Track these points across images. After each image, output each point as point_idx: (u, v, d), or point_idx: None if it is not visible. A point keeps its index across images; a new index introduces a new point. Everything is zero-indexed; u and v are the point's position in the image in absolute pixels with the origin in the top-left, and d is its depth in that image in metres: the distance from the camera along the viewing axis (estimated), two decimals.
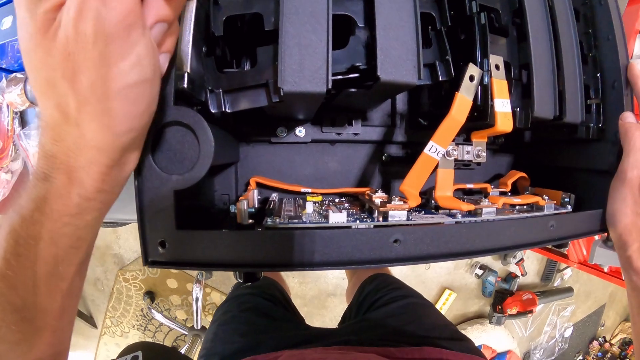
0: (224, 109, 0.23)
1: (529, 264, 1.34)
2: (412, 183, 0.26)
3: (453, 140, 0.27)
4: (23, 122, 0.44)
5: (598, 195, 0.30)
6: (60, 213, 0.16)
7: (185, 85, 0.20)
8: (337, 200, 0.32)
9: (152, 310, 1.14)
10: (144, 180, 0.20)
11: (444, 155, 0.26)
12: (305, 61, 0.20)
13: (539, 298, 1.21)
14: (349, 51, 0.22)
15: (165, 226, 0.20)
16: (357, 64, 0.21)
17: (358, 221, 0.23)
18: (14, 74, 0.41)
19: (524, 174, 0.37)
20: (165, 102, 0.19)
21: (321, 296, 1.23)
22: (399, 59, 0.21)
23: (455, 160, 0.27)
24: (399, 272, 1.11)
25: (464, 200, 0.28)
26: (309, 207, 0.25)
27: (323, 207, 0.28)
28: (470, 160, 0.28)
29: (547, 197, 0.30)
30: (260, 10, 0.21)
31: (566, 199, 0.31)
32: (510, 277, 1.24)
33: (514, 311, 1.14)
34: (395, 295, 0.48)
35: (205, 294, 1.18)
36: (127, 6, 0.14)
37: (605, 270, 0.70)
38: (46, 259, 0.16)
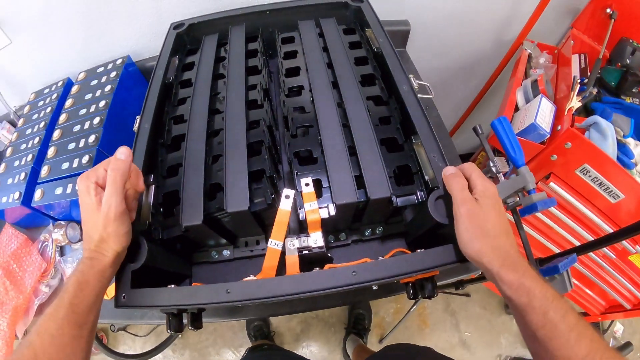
0: (161, 237, 0.45)
1: None
2: (267, 267, 0.43)
3: (297, 237, 0.45)
4: (62, 253, 0.69)
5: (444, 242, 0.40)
6: (99, 269, 0.36)
7: (146, 227, 0.42)
8: None
9: None
10: (122, 266, 0.40)
11: (284, 246, 0.44)
12: (192, 207, 0.42)
13: None
14: (219, 199, 0.44)
15: (126, 286, 0.39)
16: (219, 206, 0.43)
17: None
18: (59, 221, 0.69)
19: (401, 249, 0.50)
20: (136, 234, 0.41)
21: None
22: (241, 196, 0.42)
23: (298, 248, 0.45)
24: None
25: None
26: None
27: None
28: (310, 246, 0.45)
29: None
30: (176, 187, 0.45)
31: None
32: None
33: None
34: None
35: None
36: (121, 204, 0.37)
37: None
38: (94, 291, 0.35)
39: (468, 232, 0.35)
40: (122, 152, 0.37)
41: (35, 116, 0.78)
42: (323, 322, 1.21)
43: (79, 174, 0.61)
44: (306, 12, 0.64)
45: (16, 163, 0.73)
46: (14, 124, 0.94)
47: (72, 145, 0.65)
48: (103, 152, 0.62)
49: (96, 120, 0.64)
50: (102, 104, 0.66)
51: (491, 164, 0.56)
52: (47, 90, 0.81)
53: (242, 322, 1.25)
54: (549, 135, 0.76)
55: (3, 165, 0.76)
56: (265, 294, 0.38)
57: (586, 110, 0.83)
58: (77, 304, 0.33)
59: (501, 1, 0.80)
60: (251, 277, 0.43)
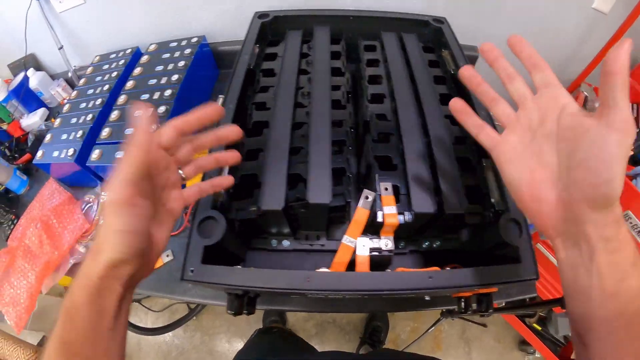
0: (234, 217, 0.46)
1: None
2: (338, 263, 0.45)
3: (369, 237, 0.46)
4: None
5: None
6: (88, 288, 0.24)
7: (217, 206, 0.43)
8: None
9: None
10: (192, 240, 0.42)
11: (359, 244, 0.45)
12: (273, 193, 0.43)
13: None
14: (298, 189, 0.45)
15: (196, 261, 0.40)
16: (298, 195, 0.44)
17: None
18: None
19: (456, 265, 0.51)
20: (207, 207, 0.42)
21: None
22: (324, 189, 0.43)
23: (370, 248, 0.46)
24: None
25: None
26: None
27: None
28: (380, 248, 0.46)
29: None
30: (255, 171, 0.46)
31: None
32: None
33: None
34: None
35: None
36: (127, 189, 0.25)
37: None
38: (88, 322, 0.24)
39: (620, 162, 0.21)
40: (142, 114, 0.27)
41: (99, 78, 0.80)
42: (339, 328, 1.21)
43: None
44: (388, 24, 0.67)
45: (73, 120, 0.75)
46: (70, 83, 0.96)
47: (138, 113, 0.66)
48: None
49: (168, 92, 0.66)
50: (174, 77, 0.68)
51: None
52: (113, 55, 0.83)
53: (258, 315, 1.25)
54: None
55: (59, 120, 0.77)
56: (345, 287, 0.39)
57: (634, 159, 0.86)
58: (70, 342, 0.24)
59: (565, 42, 0.83)
60: (324, 269, 0.44)
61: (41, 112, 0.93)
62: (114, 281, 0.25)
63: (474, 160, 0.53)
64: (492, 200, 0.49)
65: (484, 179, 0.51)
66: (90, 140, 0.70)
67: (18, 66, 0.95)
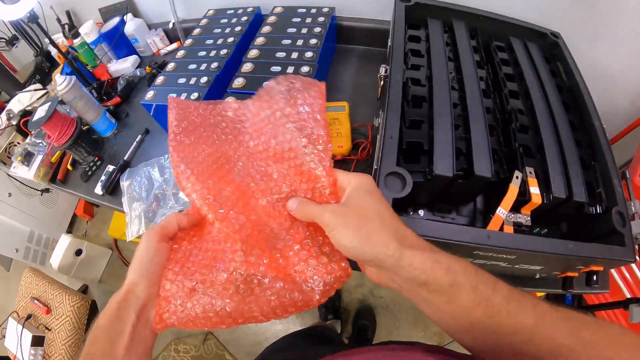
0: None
1: None
2: (491, 229, 0.51)
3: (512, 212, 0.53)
4: None
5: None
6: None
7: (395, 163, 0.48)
8: None
9: None
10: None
11: (506, 217, 0.52)
12: (444, 161, 0.49)
13: None
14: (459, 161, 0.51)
15: None
16: (464, 167, 0.50)
17: None
18: None
19: None
20: (392, 163, 0.47)
21: None
22: (486, 164, 0.49)
23: (513, 222, 0.53)
24: None
25: None
26: None
27: None
28: (521, 222, 0.53)
29: None
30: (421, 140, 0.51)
31: None
32: None
33: None
34: None
35: None
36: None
37: None
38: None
39: (348, 226, 0.29)
40: None
41: (217, 30, 0.81)
42: (391, 314, 1.26)
43: None
44: (514, 30, 0.74)
45: (192, 67, 0.76)
46: (167, 34, 0.95)
47: (276, 69, 0.69)
48: None
49: (309, 54, 0.69)
50: (313, 41, 0.71)
51: (632, 204, 0.68)
52: (230, 12, 0.85)
53: None
54: None
55: (172, 65, 0.78)
56: (518, 246, 0.46)
57: None
58: (91, 354, 0.28)
59: None
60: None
61: (133, 59, 0.92)
62: (130, 309, 0.30)
63: (588, 161, 0.61)
64: (603, 195, 0.57)
65: (596, 177, 0.59)
66: (216, 87, 0.72)
67: (111, 11, 0.94)
